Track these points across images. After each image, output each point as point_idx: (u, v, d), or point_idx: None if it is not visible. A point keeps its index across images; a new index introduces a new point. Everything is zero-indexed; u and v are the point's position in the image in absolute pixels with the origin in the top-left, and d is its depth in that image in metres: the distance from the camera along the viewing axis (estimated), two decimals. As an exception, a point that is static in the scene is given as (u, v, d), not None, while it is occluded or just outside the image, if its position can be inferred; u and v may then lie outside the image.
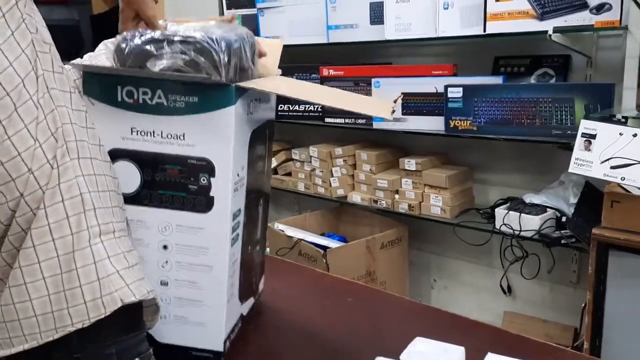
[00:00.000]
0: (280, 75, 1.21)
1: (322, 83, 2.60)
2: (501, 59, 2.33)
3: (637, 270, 1.62)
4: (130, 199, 0.90)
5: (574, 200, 2.05)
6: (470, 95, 2.16)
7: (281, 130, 3.20)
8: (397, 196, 2.49)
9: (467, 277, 2.67)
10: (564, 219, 2.07)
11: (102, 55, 1.01)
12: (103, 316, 0.67)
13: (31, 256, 0.66)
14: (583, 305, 1.87)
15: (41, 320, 0.66)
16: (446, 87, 2.21)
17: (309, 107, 2.71)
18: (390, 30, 2.35)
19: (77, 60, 0.99)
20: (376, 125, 2.47)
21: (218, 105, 0.87)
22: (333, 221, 2.91)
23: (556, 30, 1.91)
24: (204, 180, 0.89)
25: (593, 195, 1.93)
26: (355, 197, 2.65)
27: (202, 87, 0.86)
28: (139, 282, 0.72)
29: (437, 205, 2.37)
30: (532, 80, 2.23)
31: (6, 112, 0.64)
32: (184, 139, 0.89)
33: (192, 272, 0.93)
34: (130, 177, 0.90)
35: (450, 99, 2.20)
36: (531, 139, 2.06)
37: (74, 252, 0.67)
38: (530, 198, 2.18)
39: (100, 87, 0.88)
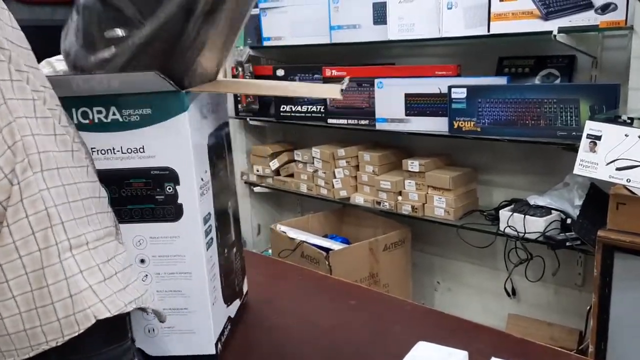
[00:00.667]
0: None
1: (325, 84, 2.59)
2: (505, 59, 2.31)
3: (643, 273, 1.60)
4: None
5: (579, 202, 2.03)
6: (474, 96, 2.14)
7: (284, 131, 3.19)
8: (400, 197, 2.48)
9: (471, 279, 2.65)
10: (568, 221, 2.06)
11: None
12: (77, 333, 0.66)
13: None
14: (588, 308, 1.85)
15: (15, 338, 0.66)
16: (450, 87, 2.19)
17: (311, 108, 2.70)
18: (393, 31, 2.33)
19: None
20: (379, 126, 2.46)
21: (171, 114, 0.88)
22: (336, 223, 2.89)
23: (561, 30, 1.90)
24: (169, 189, 0.92)
25: (598, 197, 1.91)
26: (358, 199, 2.63)
27: (154, 97, 0.88)
28: (115, 296, 0.70)
29: (440, 206, 2.35)
30: (537, 80, 2.21)
31: None
32: (144, 151, 0.92)
33: (172, 281, 0.94)
34: None
35: (453, 100, 2.19)
36: (536, 140, 2.05)
37: (43, 268, 0.66)
38: (534, 200, 2.16)
39: None
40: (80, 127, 0.91)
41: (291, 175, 2.95)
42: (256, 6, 2.84)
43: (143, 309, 0.77)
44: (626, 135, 1.58)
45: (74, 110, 0.92)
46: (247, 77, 2.80)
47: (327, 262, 2.36)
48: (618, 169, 1.58)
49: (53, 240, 0.67)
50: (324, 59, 2.77)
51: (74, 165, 0.74)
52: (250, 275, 1.35)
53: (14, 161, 0.66)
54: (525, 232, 2.09)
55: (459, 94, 2.17)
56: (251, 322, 1.07)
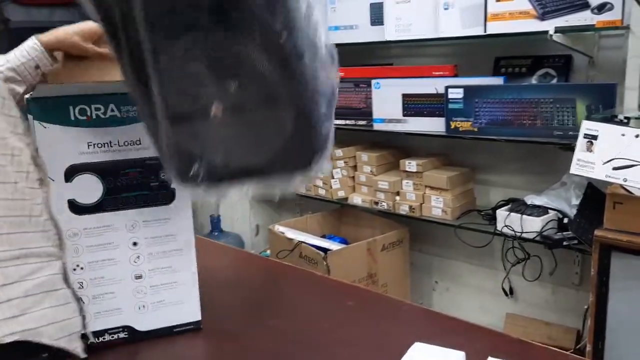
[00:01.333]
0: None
1: (322, 84, 2.59)
2: (502, 59, 2.31)
3: (640, 272, 1.61)
4: (95, 208, 0.98)
5: (576, 201, 2.04)
6: (471, 96, 2.14)
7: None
8: (398, 198, 2.48)
9: (468, 279, 2.66)
10: (565, 220, 2.06)
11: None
12: None
13: None
14: (586, 307, 1.86)
15: None
16: (447, 87, 2.20)
17: (309, 109, 2.70)
18: (390, 31, 2.34)
19: None
20: (377, 126, 2.46)
21: None
22: (334, 223, 2.89)
23: (557, 30, 1.90)
24: (163, 175, 0.98)
25: (595, 196, 1.92)
26: (356, 199, 2.63)
27: None
28: None
29: (438, 206, 2.35)
30: (533, 80, 2.21)
31: None
32: (140, 143, 0.99)
33: (164, 259, 1.03)
34: (92, 187, 0.98)
35: (450, 100, 2.19)
36: (532, 139, 2.05)
37: None
38: (531, 199, 2.16)
39: (50, 110, 0.93)
40: (76, 123, 0.96)
41: (289, 176, 2.95)
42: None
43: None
44: (623, 135, 1.58)
45: (71, 107, 0.95)
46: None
47: (325, 263, 2.36)
48: (615, 169, 1.59)
49: None
50: (321, 60, 2.77)
51: None
52: (249, 276, 1.35)
53: None
54: (522, 232, 2.09)
55: (456, 94, 2.17)
56: (248, 323, 1.07)
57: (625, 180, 1.57)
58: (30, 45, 1.25)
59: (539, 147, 2.19)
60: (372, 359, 1.04)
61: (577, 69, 2.17)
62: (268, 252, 2.83)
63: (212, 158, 0.71)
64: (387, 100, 2.40)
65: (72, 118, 0.96)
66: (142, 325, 1.05)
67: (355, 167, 2.66)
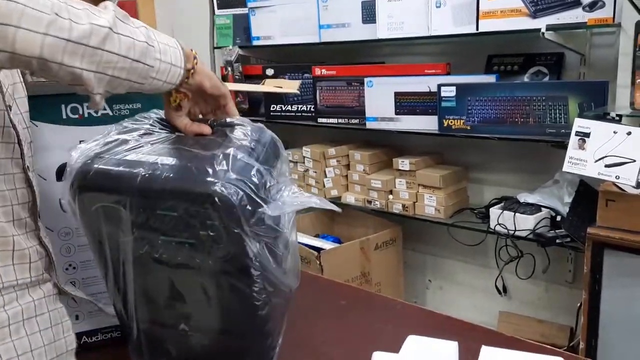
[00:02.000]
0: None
1: (314, 83, 2.59)
2: (494, 57, 2.31)
3: (632, 269, 1.61)
4: None
5: (568, 199, 2.04)
6: (463, 94, 2.14)
7: (274, 131, 3.17)
8: (391, 196, 2.48)
9: (462, 277, 2.66)
10: (558, 218, 2.06)
11: None
12: None
13: None
14: (579, 304, 1.86)
15: None
16: (439, 86, 2.20)
17: (301, 108, 2.70)
18: (382, 29, 2.33)
19: None
20: (369, 125, 2.45)
21: (157, 107, 0.92)
22: (327, 222, 2.89)
23: (549, 28, 1.90)
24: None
25: (588, 194, 1.92)
26: (349, 198, 2.63)
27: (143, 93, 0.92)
28: None
29: (431, 205, 2.35)
30: (526, 78, 2.22)
31: None
32: None
33: None
34: None
35: (443, 98, 2.19)
36: (525, 137, 2.05)
37: None
38: (524, 197, 2.16)
39: (41, 108, 0.93)
40: (68, 122, 0.96)
41: (282, 175, 2.94)
42: (245, 5, 2.83)
43: None
44: (614, 132, 1.59)
45: (63, 106, 0.95)
46: (236, 77, 2.79)
47: (318, 262, 2.36)
48: (607, 166, 1.59)
49: None
50: (314, 58, 2.76)
51: None
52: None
53: None
54: (515, 230, 2.09)
55: (449, 92, 2.17)
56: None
57: (617, 177, 1.57)
58: None
59: (532, 145, 2.19)
60: (366, 357, 1.04)
61: (569, 66, 2.18)
62: (261, 251, 2.81)
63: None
64: (379, 98, 2.40)
65: (64, 117, 0.96)
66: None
67: (348, 166, 2.66)
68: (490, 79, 2.18)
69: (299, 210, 0.82)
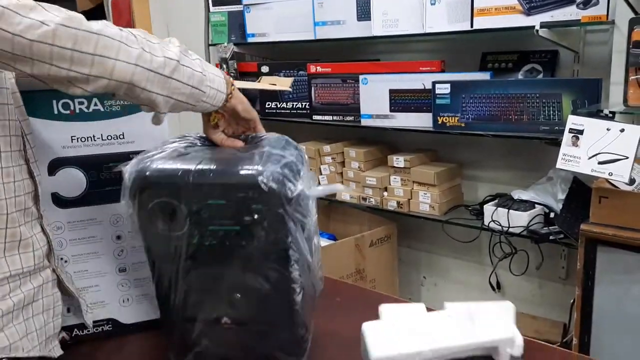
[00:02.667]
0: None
1: (309, 80, 2.59)
2: (489, 54, 2.32)
3: (625, 266, 1.62)
4: (79, 201, 0.99)
5: (562, 196, 2.05)
6: (457, 91, 2.15)
7: (269, 128, 3.17)
8: (386, 193, 2.48)
9: (456, 273, 2.67)
10: (552, 214, 2.07)
11: None
12: None
13: None
14: (572, 301, 1.87)
15: None
16: (434, 83, 2.20)
17: (296, 105, 2.70)
18: (377, 27, 2.33)
19: None
20: (364, 122, 2.46)
21: None
22: (322, 219, 2.89)
23: (543, 25, 1.91)
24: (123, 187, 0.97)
25: (581, 191, 1.93)
26: (344, 195, 2.63)
27: None
28: None
29: (425, 202, 2.36)
30: (520, 76, 2.22)
31: None
32: (123, 137, 1.00)
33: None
34: (75, 181, 0.99)
35: (438, 96, 2.19)
36: (519, 135, 2.05)
37: None
38: (518, 194, 2.17)
39: (33, 104, 0.93)
40: (59, 117, 0.97)
41: (277, 172, 2.94)
42: (240, 2, 2.83)
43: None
44: (608, 129, 1.59)
45: (54, 101, 0.96)
46: (231, 74, 2.79)
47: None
48: (600, 163, 1.60)
49: None
50: (309, 55, 2.76)
51: None
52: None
53: None
54: (509, 227, 2.10)
55: (443, 89, 2.18)
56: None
57: (610, 174, 1.58)
58: None
59: (526, 142, 2.20)
60: (359, 353, 1.04)
61: (563, 64, 2.18)
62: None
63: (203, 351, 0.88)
64: (374, 96, 2.40)
65: (55, 112, 0.96)
66: (126, 318, 1.06)
67: (343, 163, 2.66)
68: (485, 76, 2.19)
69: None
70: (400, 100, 2.35)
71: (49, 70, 0.70)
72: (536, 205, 2.10)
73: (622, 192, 1.62)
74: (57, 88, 0.74)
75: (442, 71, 2.28)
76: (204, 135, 0.98)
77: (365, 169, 2.57)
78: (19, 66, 0.70)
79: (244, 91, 1.02)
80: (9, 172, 0.79)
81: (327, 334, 1.07)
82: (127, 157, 1.00)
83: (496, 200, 2.23)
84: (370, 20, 2.35)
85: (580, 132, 1.64)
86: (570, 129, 1.65)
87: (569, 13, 1.90)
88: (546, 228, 2.05)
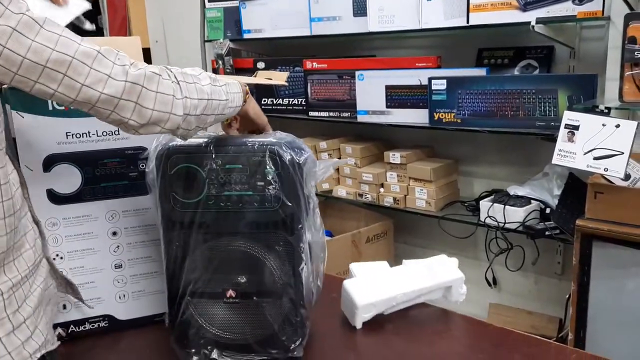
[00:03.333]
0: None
1: (306, 76, 2.58)
2: (485, 50, 2.32)
3: (620, 261, 1.62)
4: (74, 197, 0.99)
5: (557, 191, 2.05)
6: (454, 87, 2.15)
7: (265, 125, 3.17)
8: (382, 190, 2.48)
9: (452, 269, 2.67)
10: (548, 210, 2.08)
11: None
12: None
13: None
14: (568, 296, 1.87)
15: None
16: (430, 79, 2.20)
17: (292, 101, 2.69)
18: (373, 22, 2.33)
19: None
20: (360, 118, 2.45)
21: None
22: (318, 215, 2.89)
23: (539, 21, 1.91)
24: (142, 165, 1.00)
25: (577, 186, 1.93)
26: (341, 191, 2.63)
27: None
28: (22, 346, 0.75)
29: (422, 198, 2.36)
30: (516, 71, 2.22)
31: None
32: (118, 133, 1.00)
33: (144, 248, 1.05)
34: (71, 177, 0.99)
35: (434, 91, 2.19)
36: (515, 130, 2.06)
37: None
38: (514, 190, 2.18)
39: (27, 100, 0.93)
40: (54, 114, 0.97)
41: (273, 169, 2.93)
42: (236, -2, 2.82)
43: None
44: (603, 125, 1.60)
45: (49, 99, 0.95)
46: (227, 70, 2.78)
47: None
48: (595, 159, 1.60)
49: None
50: (305, 51, 2.76)
51: None
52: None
53: None
54: (505, 222, 2.10)
55: (439, 85, 2.18)
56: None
57: (606, 170, 1.58)
58: None
59: (522, 138, 2.21)
60: (354, 350, 1.04)
61: (558, 60, 2.19)
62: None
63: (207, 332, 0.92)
64: (370, 92, 2.40)
65: (50, 108, 0.96)
66: (122, 314, 1.06)
67: (339, 159, 2.66)
68: (481, 72, 2.19)
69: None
70: (397, 96, 2.35)
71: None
72: (532, 201, 2.11)
73: (618, 188, 1.62)
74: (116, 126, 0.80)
75: (438, 67, 2.28)
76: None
77: (362, 165, 2.57)
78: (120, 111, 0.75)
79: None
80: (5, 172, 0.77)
81: (323, 328, 1.08)
82: (122, 153, 1.00)
83: (492, 196, 2.24)
84: (366, 16, 2.35)
85: (576, 127, 1.64)
86: (566, 124, 1.65)
87: (564, 9, 1.90)
88: (542, 224, 2.06)
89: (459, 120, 2.16)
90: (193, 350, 0.93)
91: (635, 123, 1.56)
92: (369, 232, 2.56)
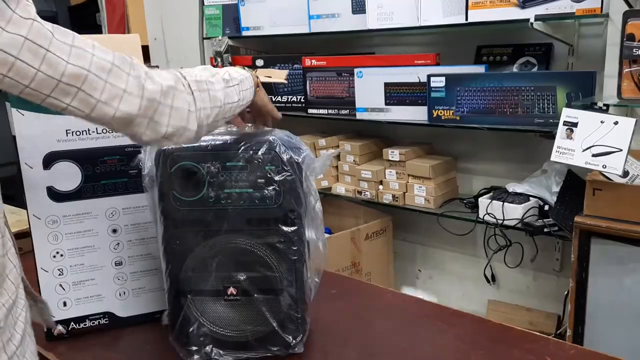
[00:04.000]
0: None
1: (304, 73, 2.58)
2: (483, 47, 2.32)
3: (619, 258, 1.63)
4: (74, 195, 0.99)
5: (556, 188, 2.05)
6: (452, 84, 2.15)
7: (264, 122, 3.17)
8: (381, 187, 2.49)
9: (451, 266, 2.68)
10: (546, 207, 2.08)
11: None
12: None
13: None
14: (566, 292, 1.88)
15: None
16: (429, 76, 2.20)
17: (291, 99, 2.69)
18: (372, 20, 2.33)
19: None
20: (359, 115, 2.46)
21: None
22: (317, 213, 2.89)
23: (538, 18, 1.91)
24: (142, 163, 0.99)
25: (575, 183, 1.94)
26: (340, 189, 2.63)
27: None
28: None
29: (421, 195, 2.36)
30: (515, 69, 2.23)
31: None
32: None
33: (143, 246, 1.05)
34: (71, 175, 0.99)
35: (433, 89, 2.19)
36: (514, 128, 2.06)
37: None
38: (513, 187, 2.18)
39: None
40: (54, 111, 0.96)
41: (272, 166, 2.94)
42: (234, -5, 2.81)
43: None
44: (602, 122, 1.60)
45: None
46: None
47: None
48: (594, 156, 1.60)
49: None
50: (304, 49, 2.76)
51: None
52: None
53: None
54: (504, 219, 2.11)
55: (438, 82, 2.18)
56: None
57: (604, 167, 1.59)
58: None
59: (520, 135, 2.21)
60: (353, 347, 1.05)
61: (557, 57, 2.19)
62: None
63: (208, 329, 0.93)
64: (369, 89, 2.40)
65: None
66: (122, 312, 1.06)
67: (338, 157, 2.66)
68: (480, 69, 2.19)
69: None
70: (395, 94, 2.35)
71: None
72: (531, 198, 2.11)
73: (616, 185, 1.63)
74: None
75: (437, 64, 2.28)
76: None
77: (361, 162, 2.57)
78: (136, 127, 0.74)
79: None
80: None
81: (323, 325, 1.08)
82: (122, 150, 1.00)
83: (491, 193, 2.24)
84: (365, 13, 2.35)
85: (575, 124, 1.64)
86: (564, 121, 1.65)
87: (563, 6, 1.90)
88: (540, 220, 2.06)
89: (458, 118, 2.16)
90: (194, 347, 0.93)
91: (633, 120, 1.56)
92: (368, 229, 2.56)
